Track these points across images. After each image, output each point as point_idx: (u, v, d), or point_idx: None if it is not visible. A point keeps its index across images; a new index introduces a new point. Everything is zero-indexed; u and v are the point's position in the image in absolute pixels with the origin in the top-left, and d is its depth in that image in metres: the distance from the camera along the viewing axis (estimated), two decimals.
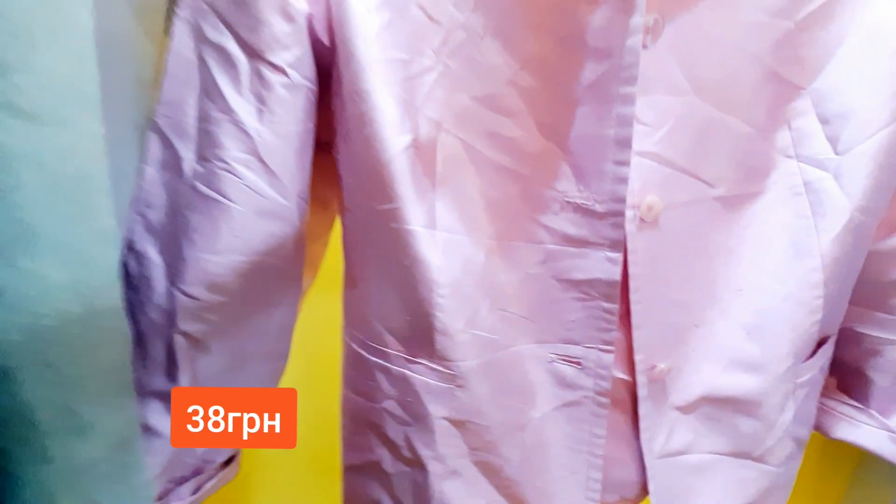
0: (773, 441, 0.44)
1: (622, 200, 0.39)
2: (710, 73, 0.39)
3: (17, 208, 0.28)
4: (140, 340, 0.41)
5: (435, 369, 0.43)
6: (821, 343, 0.45)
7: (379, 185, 0.40)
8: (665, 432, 0.44)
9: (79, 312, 0.31)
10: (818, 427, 0.53)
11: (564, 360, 0.43)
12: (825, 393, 0.51)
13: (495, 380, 0.43)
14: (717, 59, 0.39)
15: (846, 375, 0.52)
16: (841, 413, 0.52)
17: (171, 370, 0.42)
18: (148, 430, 0.41)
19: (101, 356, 0.33)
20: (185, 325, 0.41)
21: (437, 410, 0.43)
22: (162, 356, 0.42)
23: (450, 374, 0.42)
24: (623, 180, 0.39)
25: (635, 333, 0.42)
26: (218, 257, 0.40)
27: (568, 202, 0.40)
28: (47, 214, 0.29)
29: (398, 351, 0.44)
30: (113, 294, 0.33)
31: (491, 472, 0.44)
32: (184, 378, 0.42)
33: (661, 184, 0.40)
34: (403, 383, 0.44)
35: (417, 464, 0.45)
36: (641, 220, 0.40)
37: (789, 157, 0.42)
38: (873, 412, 0.51)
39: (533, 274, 0.42)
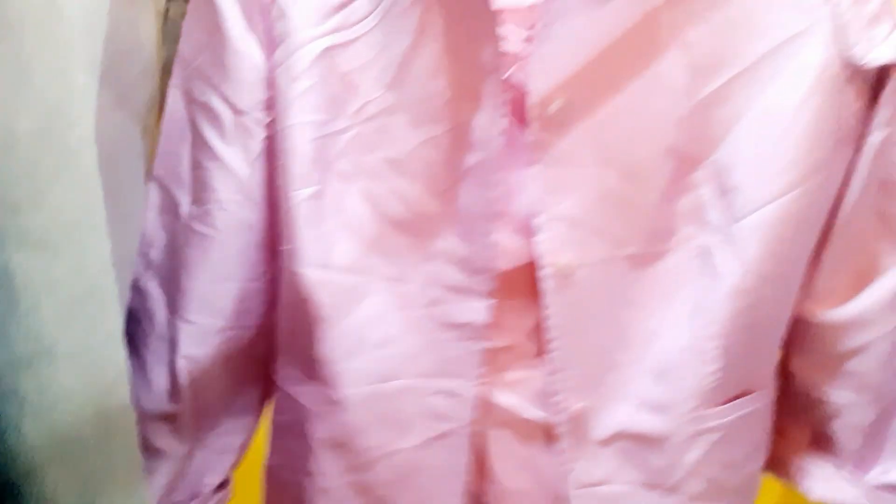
0: (681, 474, 0.47)
1: (492, 263, 0.44)
2: (617, 148, 0.44)
3: (37, 327, 0.32)
4: (143, 369, 0.47)
5: (320, 393, 0.47)
6: (740, 395, 0.48)
7: (285, 227, 0.45)
8: (585, 464, 0.47)
9: (91, 412, 0.35)
10: (803, 489, 0.54)
11: (442, 394, 0.47)
12: (799, 450, 0.54)
13: (376, 408, 0.47)
14: (623, 137, 0.43)
15: (817, 436, 0.54)
16: (816, 472, 0.54)
17: (175, 393, 0.47)
18: (154, 451, 0.47)
19: (112, 450, 0.36)
20: (187, 349, 0.47)
21: (319, 431, 0.48)
22: (165, 381, 0.47)
23: (333, 399, 0.46)
24: (493, 247, 0.44)
25: (557, 376, 0.45)
26: (215, 286, 0.47)
27: (453, 257, 0.45)
28: (63, 329, 0.33)
29: (291, 373, 0.49)
30: (122, 391, 0.37)
31: (364, 492, 0.48)
32: (186, 400, 0.48)
33: (576, 244, 0.44)
34: (293, 402, 0.49)
35: (301, 474, 0.49)
36: (557, 277, 0.44)
37: (690, 222, 0.46)
38: (848, 469, 0.52)
39: (418, 315, 0.47)
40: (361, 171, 0.45)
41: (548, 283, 0.44)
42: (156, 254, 0.48)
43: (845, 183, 0.45)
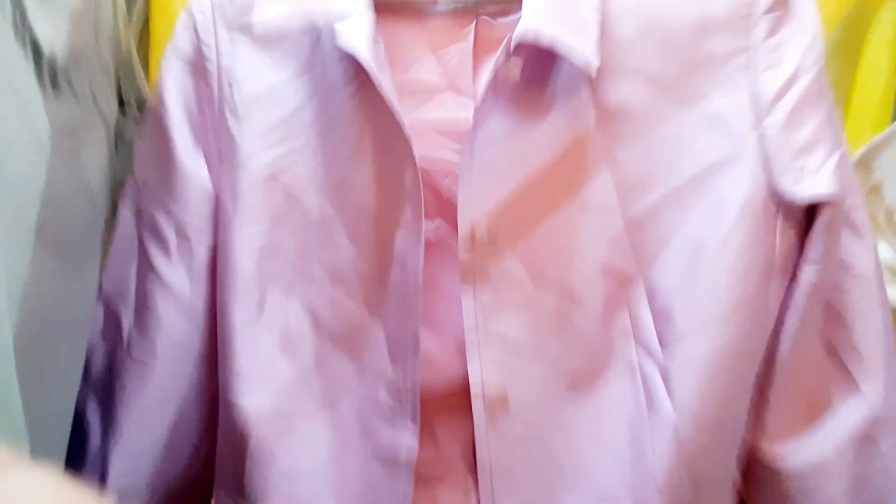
0: None
1: (416, 392, 0.42)
2: (552, 268, 0.43)
3: None
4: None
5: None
6: None
7: (222, 352, 0.45)
8: None
9: None
10: None
11: None
12: None
13: None
14: (558, 257, 0.43)
15: None
16: None
17: None
18: None
19: None
20: (118, 480, 0.46)
21: None
22: None
23: None
24: (416, 376, 0.42)
25: None
26: (149, 416, 0.46)
27: (384, 377, 0.44)
28: None
29: None
30: None
31: None
32: None
33: (510, 368, 0.42)
34: None
35: None
36: (490, 404, 0.42)
37: (628, 338, 0.44)
38: None
39: (350, 445, 0.44)
40: (303, 280, 0.45)
41: (479, 412, 0.42)
42: (95, 376, 0.48)
43: (782, 314, 0.43)
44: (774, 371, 0.43)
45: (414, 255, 0.42)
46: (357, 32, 0.40)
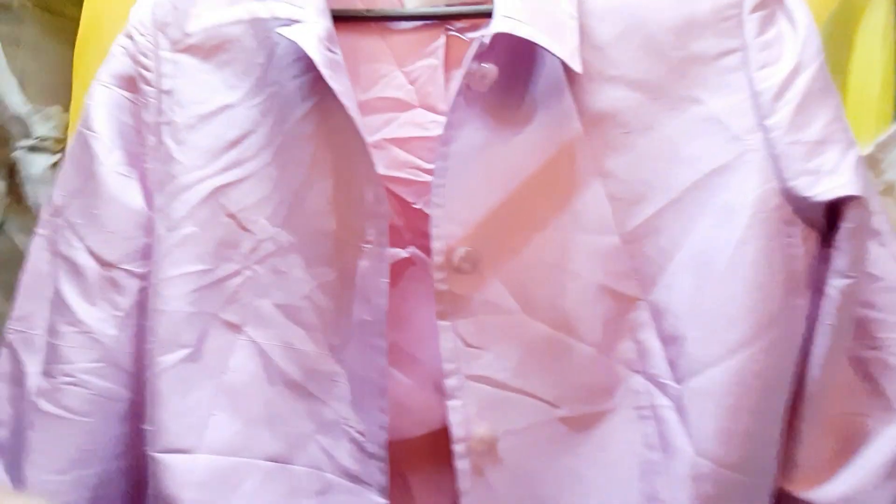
0: None
1: (385, 447, 0.39)
2: (539, 292, 0.40)
3: None
4: None
5: None
6: None
7: (147, 401, 0.41)
8: None
9: None
10: None
11: None
12: None
13: None
14: (549, 279, 0.40)
15: None
16: None
17: None
18: None
19: None
20: None
21: None
22: None
23: None
24: (384, 427, 0.39)
25: None
26: (63, 476, 0.41)
27: (348, 431, 0.40)
28: None
29: None
30: None
31: None
32: None
33: (496, 409, 0.39)
34: None
35: None
36: (474, 452, 0.38)
37: (636, 371, 0.41)
38: None
39: None
40: (252, 319, 0.42)
41: (462, 461, 0.38)
42: (2, 432, 0.43)
43: (809, 335, 0.39)
44: (804, 400, 0.40)
45: (377, 284, 0.39)
46: (309, 34, 0.39)
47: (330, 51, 0.40)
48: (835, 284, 0.39)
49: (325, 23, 0.41)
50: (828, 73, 0.42)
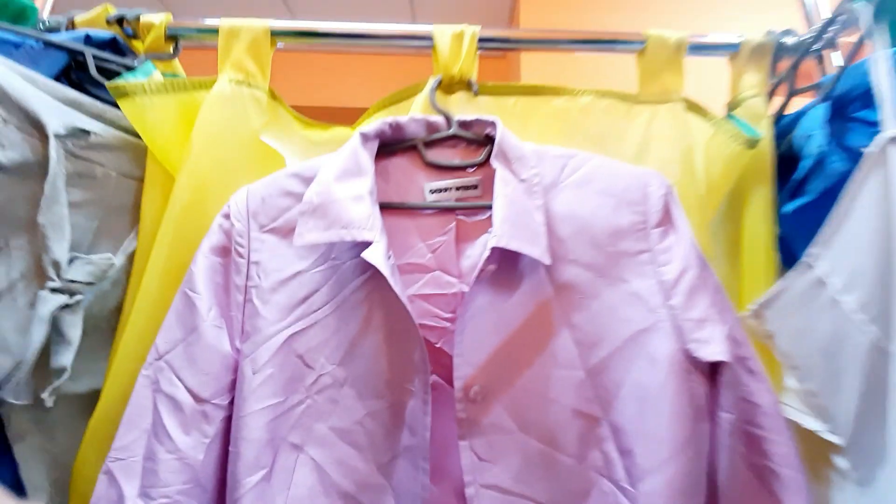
0: None
1: None
2: (531, 414, 0.49)
3: None
4: None
5: None
6: None
7: None
8: None
9: None
10: None
11: None
12: None
13: None
14: (536, 404, 0.50)
15: None
16: None
17: None
18: None
19: None
20: None
21: None
22: None
23: None
24: None
25: None
26: None
27: None
28: None
29: None
30: None
31: None
32: None
33: None
34: None
35: None
36: None
37: (603, 476, 0.49)
38: None
39: None
40: (311, 440, 0.49)
41: None
42: None
43: (713, 451, 0.50)
44: (718, 499, 0.50)
45: (423, 421, 0.48)
46: (379, 254, 0.49)
47: (388, 257, 0.50)
48: (723, 416, 0.50)
49: (385, 239, 0.51)
50: (708, 269, 0.54)
